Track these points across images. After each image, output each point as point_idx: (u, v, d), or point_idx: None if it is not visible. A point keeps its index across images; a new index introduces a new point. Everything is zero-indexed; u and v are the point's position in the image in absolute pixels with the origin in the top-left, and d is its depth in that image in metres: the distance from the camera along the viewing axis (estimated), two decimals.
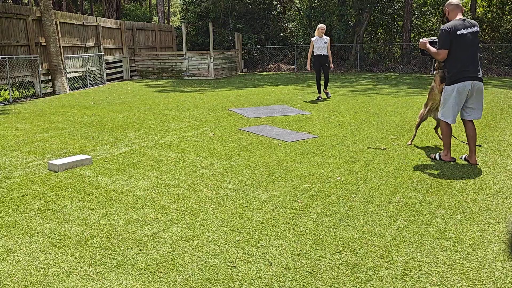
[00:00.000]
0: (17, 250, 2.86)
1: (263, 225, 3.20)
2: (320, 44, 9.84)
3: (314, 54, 9.89)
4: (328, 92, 10.34)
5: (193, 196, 3.84)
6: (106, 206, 3.63)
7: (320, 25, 9.98)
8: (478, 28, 4.55)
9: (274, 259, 2.70)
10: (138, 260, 2.71)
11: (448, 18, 4.66)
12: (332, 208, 3.51)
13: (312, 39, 9.98)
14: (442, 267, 2.59)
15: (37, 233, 3.11)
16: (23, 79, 11.78)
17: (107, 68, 16.07)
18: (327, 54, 9.90)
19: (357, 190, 3.92)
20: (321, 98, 10.06)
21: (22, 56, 11.71)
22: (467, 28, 4.44)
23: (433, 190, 3.89)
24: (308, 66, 10.53)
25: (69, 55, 13.59)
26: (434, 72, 5.25)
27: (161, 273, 2.56)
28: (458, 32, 4.42)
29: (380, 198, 3.72)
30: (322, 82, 10.21)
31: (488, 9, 20.21)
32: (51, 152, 5.48)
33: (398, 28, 21.98)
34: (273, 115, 7.98)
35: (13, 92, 11.72)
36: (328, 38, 9.94)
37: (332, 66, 10.08)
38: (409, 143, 5.57)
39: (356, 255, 2.74)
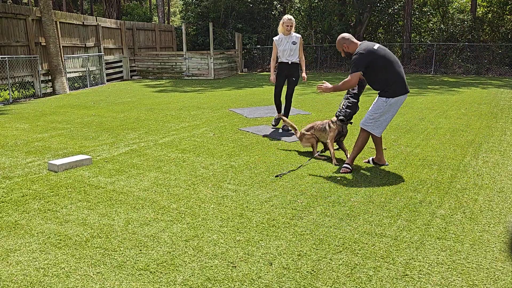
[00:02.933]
0: (17, 250, 2.86)
1: (263, 225, 3.20)
2: (285, 46, 6.30)
3: (279, 60, 6.46)
4: (287, 128, 6.53)
5: (193, 196, 3.84)
6: (106, 206, 3.62)
7: (285, 17, 6.33)
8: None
9: (274, 259, 2.70)
10: (138, 260, 2.71)
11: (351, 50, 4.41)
12: (332, 208, 3.51)
13: (275, 39, 6.42)
14: (442, 267, 2.59)
15: (37, 233, 3.11)
16: (23, 79, 11.78)
17: (107, 68, 16.06)
18: (298, 61, 6.39)
19: (357, 190, 3.92)
20: (275, 121, 6.86)
21: (22, 56, 11.70)
22: None
23: (433, 190, 3.89)
24: (271, 77, 6.58)
25: (69, 55, 13.59)
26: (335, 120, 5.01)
27: (161, 273, 2.55)
28: None
29: (380, 198, 3.72)
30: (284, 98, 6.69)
31: (488, 9, 20.21)
32: (51, 152, 5.47)
33: (399, 28, 21.98)
34: (273, 115, 7.97)
35: (13, 92, 11.72)
36: (299, 36, 6.35)
37: (305, 76, 6.48)
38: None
39: (357, 255, 2.74)
